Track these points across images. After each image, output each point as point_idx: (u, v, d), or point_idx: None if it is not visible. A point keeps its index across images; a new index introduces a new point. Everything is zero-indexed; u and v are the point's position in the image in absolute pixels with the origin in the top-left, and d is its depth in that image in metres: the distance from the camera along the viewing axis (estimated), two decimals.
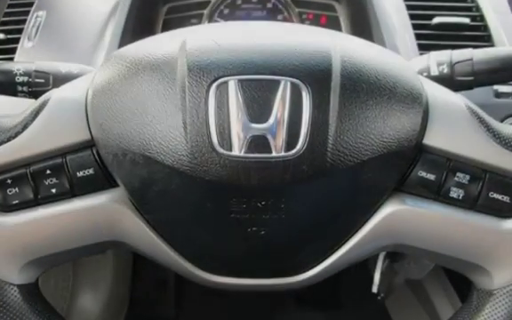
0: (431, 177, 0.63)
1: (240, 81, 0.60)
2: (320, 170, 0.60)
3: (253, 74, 0.60)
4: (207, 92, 0.60)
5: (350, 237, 0.66)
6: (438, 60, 0.79)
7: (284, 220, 0.63)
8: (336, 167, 0.60)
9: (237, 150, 0.60)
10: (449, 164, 0.64)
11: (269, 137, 0.60)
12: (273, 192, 0.62)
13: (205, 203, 0.63)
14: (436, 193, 0.64)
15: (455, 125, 0.64)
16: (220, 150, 0.60)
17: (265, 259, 0.68)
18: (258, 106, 0.60)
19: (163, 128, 0.60)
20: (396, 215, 0.65)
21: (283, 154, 0.60)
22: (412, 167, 0.64)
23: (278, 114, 0.59)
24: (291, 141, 0.60)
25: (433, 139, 0.64)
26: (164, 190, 0.62)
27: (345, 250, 0.66)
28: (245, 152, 0.60)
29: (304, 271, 0.69)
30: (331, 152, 0.60)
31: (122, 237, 0.66)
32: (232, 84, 0.60)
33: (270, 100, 0.60)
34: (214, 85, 0.60)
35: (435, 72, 0.79)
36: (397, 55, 0.69)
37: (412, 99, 0.63)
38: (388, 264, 1.16)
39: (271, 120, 0.59)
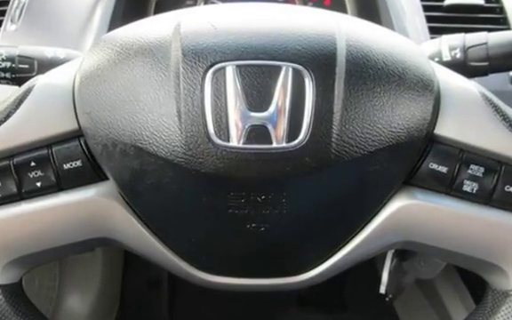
0: (443, 169, 0.63)
1: (238, 66, 0.60)
2: (324, 162, 0.60)
3: (253, 59, 0.60)
4: (203, 78, 0.59)
5: (356, 234, 0.66)
6: (451, 44, 0.79)
7: (285, 215, 0.63)
8: (341, 159, 0.60)
9: (235, 141, 0.60)
10: (462, 155, 0.64)
11: (270, 127, 0.59)
12: (273, 186, 0.62)
13: (201, 197, 0.63)
14: (449, 186, 0.64)
15: (468, 114, 0.64)
16: (217, 141, 0.60)
17: (265, 257, 0.68)
18: (257, 93, 0.59)
19: (155, 117, 0.60)
20: (406, 210, 0.65)
21: (284, 145, 0.60)
22: (423, 159, 0.64)
23: (279, 102, 0.59)
24: (292, 131, 0.60)
25: (445, 128, 0.64)
26: (157, 183, 0.62)
27: (350, 248, 0.66)
28: (244, 143, 0.60)
29: (306, 270, 0.69)
30: (335, 143, 0.60)
31: (111, 234, 0.66)
32: (230, 70, 0.59)
33: (271, 87, 0.59)
34: (211, 71, 0.59)
35: (447, 57, 0.79)
36: (407, 39, 0.69)
37: (422, 86, 0.63)
38: (396, 263, 1.16)
39: (271, 109, 0.59)
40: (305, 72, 0.59)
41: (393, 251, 1.16)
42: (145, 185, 0.63)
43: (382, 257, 1.20)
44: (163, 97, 0.60)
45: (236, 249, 0.67)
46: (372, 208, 0.65)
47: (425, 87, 0.63)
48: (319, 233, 0.66)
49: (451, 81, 0.66)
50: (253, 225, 0.64)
